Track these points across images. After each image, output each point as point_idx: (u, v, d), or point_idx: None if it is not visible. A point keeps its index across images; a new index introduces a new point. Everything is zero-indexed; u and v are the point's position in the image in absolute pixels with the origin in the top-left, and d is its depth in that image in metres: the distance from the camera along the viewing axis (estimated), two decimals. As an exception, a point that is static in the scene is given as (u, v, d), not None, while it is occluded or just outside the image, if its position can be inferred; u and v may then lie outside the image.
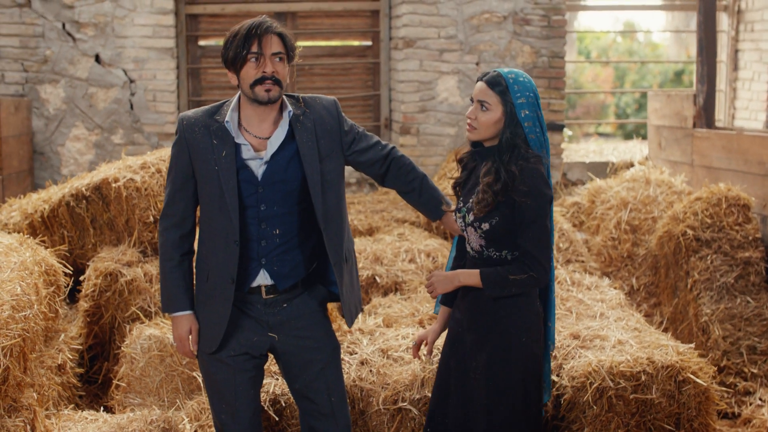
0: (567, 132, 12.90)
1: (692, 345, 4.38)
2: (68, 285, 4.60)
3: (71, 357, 4.46)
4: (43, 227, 5.28)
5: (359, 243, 6.52)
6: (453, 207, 3.62)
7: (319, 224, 3.41)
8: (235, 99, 3.42)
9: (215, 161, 3.31)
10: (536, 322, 3.48)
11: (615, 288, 5.54)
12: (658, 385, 4.08)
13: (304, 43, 8.76)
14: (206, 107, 3.44)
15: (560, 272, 5.37)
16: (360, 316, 5.27)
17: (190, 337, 3.48)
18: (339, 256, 3.49)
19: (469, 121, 3.43)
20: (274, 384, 4.10)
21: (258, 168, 3.34)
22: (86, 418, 3.90)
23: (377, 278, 5.76)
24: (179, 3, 8.01)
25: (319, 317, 3.57)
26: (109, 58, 7.54)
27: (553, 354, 4.28)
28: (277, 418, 4.02)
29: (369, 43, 8.61)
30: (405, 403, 4.07)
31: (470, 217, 3.42)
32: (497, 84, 3.35)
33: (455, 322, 3.61)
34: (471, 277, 3.38)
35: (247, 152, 3.34)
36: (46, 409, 4.01)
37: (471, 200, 3.44)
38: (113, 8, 7.48)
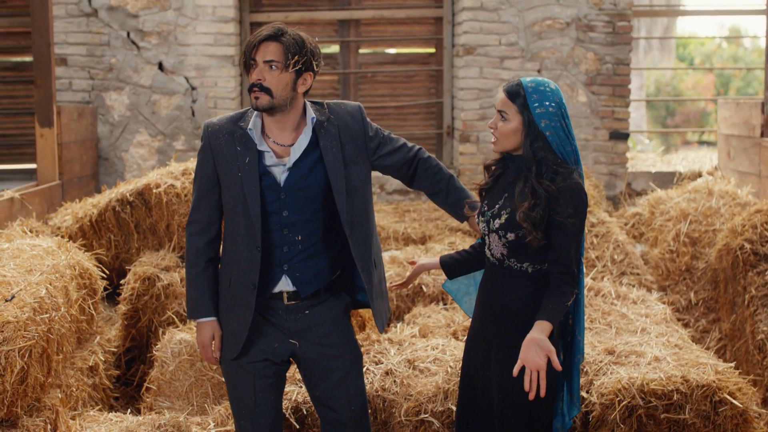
0: (640, 140, 12.58)
1: (732, 364, 4.19)
2: (107, 288, 4.68)
3: (103, 359, 4.54)
4: (91, 231, 5.41)
5: (410, 251, 6.48)
6: (476, 211, 3.55)
7: (345, 230, 3.39)
8: None
9: (239, 168, 3.33)
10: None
11: (663, 302, 5.35)
12: (692, 405, 3.91)
13: (368, 50, 8.78)
14: (231, 114, 3.46)
15: (605, 285, 5.21)
16: (399, 325, 5.24)
17: (214, 343, 3.49)
18: (367, 261, 3.46)
19: (492, 131, 3.37)
20: (297, 392, 4.08)
21: (281, 174, 3.34)
22: (111, 420, 3.95)
23: (423, 287, 5.71)
24: (243, 11, 8.13)
25: (342, 325, 3.54)
26: (172, 66, 7.70)
27: (584, 369, 4.15)
28: (297, 426, 4.00)
29: (432, 50, 8.57)
30: (427, 415, 4.00)
31: (495, 224, 3.34)
32: (516, 94, 3.27)
33: (472, 330, 3.54)
34: (544, 329, 3.19)
35: (269, 159, 3.35)
36: (74, 410, 4.08)
37: (497, 206, 3.37)
38: (176, 17, 7.63)
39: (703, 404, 3.92)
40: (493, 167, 3.50)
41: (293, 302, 3.42)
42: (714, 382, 3.93)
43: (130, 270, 5.09)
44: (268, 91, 3.25)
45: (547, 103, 3.23)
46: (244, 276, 3.37)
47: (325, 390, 3.50)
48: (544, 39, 7.77)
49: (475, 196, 3.65)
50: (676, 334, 4.64)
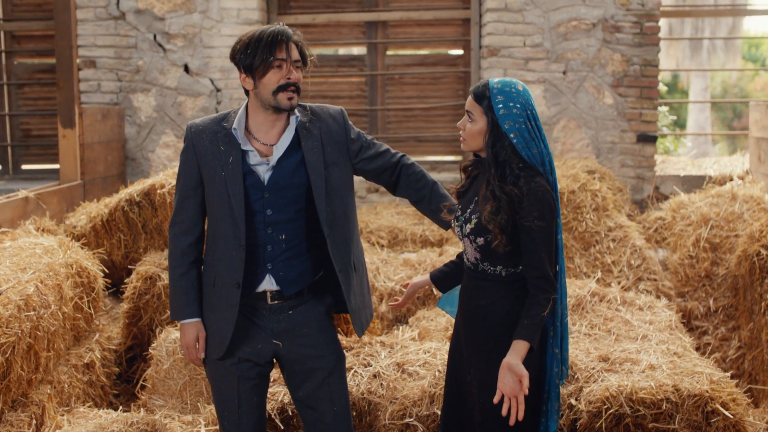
0: (677, 144, 12.34)
1: (728, 374, 4.08)
2: (110, 287, 4.73)
3: (101, 356, 4.59)
4: (103, 230, 5.50)
5: (424, 254, 6.45)
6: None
7: (324, 230, 3.39)
8: (243, 106, 3.44)
9: (222, 167, 3.35)
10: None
11: (672, 309, 5.23)
12: (682, 415, 3.81)
13: (395, 52, 8.76)
14: (214, 115, 3.49)
15: (611, 290, 5.11)
16: (402, 327, 5.21)
17: (198, 344, 3.51)
18: (345, 263, 3.45)
19: (460, 132, 3.34)
20: (283, 393, 4.08)
21: (264, 173, 3.35)
22: (100, 416, 3.99)
23: (434, 290, 5.68)
24: (270, 13, 8.18)
25: (325, 326, 3.53)
26: (197, 68, 7.78)
27: (575, 375, 4.08)
28: (282, 427, 4.00)
29: (460, 51, 8.51)
30: (412, 419, 3.97)
31: (466, 229, 3.31)
32: (481, 95, 3.25)
33: (455, 334, 3.51)
34: (519, 351, 3.15)
35: (253, 158, 3.36)
36: (66, 406, 4.14)
37: (468, 210, 3.34)
38: (201, 19, 7.71)
39: (694, 414, 3.82)
40: (469, 168, 3.47)
41: (277, 302, 3.42)
42: (707, 392, 3.83)
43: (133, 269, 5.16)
44: (299, 91, 3.30)
45: (512, 104, 3.19)
46: (229, 275, 3.38)
47: (307, 391, 3.50)
48: (569, 40, 7.66)
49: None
50: (679, 341, 4.53)
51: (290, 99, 3.27)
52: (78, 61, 7.87)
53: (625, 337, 4.55)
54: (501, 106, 3.20)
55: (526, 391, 3.09)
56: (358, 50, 9.98)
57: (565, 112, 7.75)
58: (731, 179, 7.50)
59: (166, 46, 7.79)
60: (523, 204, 3.13)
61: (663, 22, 21.90)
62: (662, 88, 12.00)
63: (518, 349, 3.14)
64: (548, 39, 7.68)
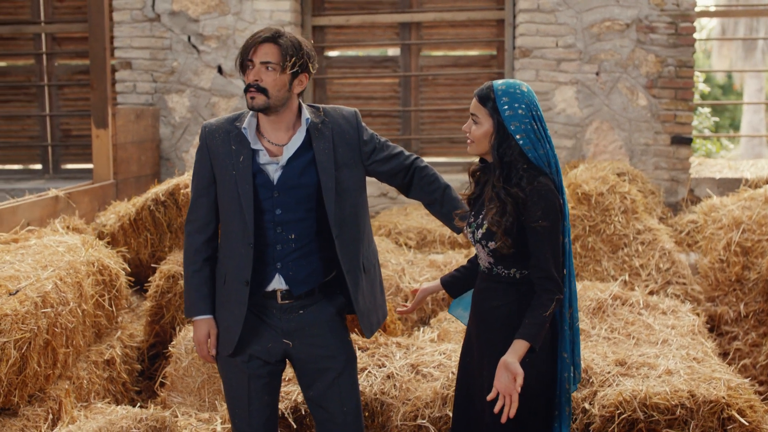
0: (719, 146, 12.13)
1: (747, 380, 4.00)
2: (134, 285, 4.80)
3: (121, 353, 4.66)
4: (131, 229, 5.58)
5: (451, 255, 6.44)
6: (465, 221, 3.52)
7: (333, 231, 3.41)
8: None
9: (233, 166, 3.39)
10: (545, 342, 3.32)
11: (695, 313, 5.15)
12: (697, 422, 3.75)
13: (429, 53, 8.75)
14: (229, 115, 3.54)
15: (634, 294, 5.05)
16: (423, 329, 5.21)
17: (209, 340, 3.55)
18: (353, 264, 3.46)
19: (466, 135, 3.34)
20: (296, 392, 4.11)
21: (274, 173, 3.38)
22: (117, 412, 4.05)
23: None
24: (305, 15, 8.23)
25: (336, 326, 3.55)
26: (230, 69, 7.85)
27: (590, 380, 4.04)
28: (295, 426, 4.02)
29: (494, 52, 8.48)
30: (424, 421, 3.97)
31: (478, 234, 3.31)
32: (486, 97, 3.24)
33: (467, 336, 3.51)
34: (517, 350, 3.17)
35: (263, 157, 3.40)
36: (84, 401, 4.21)
37: (480, 215, 3.33)
38: (235, 21, 7.78)
39: (710, 421, 3.76)
40: (477, 173, 3.46)
41: (287, 301, 3.44)
42: (723, 398, 3.77)
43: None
44: (264, 91, 3.30)
45: (517, 105, 3.18)
46: (238, 273, 3.41)
47: (318, 390, 3.52)
48: (602, 41, 7.59)
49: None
50: (700, 347, 4.47)
51: (252, 99, 3.30)
52: (114, 62, 8.01)
53: (645, 342, 4.49)
54: (506, 107, 3.19)
55: (518, 389, 3.08)
56: (391, 51, 9.98)
57: (597, 113, 7.68)
58: (767, 182, 7.37)
59: (200, 48, 7.88)
60: (527, 204, 3.13)
61: (715, 23, 21.56)
62: (704, 88, 11.82)
63: (516, 348, 3.13)
64: (581, 40, 7.61)
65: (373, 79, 8.69)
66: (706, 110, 12.03)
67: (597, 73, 7.64)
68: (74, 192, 6.03)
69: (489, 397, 3.13)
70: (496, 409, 3.10)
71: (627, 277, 5.91)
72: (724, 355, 5.75)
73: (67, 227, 5.38)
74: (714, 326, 5.94)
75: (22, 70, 9.21)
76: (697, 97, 12.06)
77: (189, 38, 7.89)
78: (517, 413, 3.20)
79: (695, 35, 7.56)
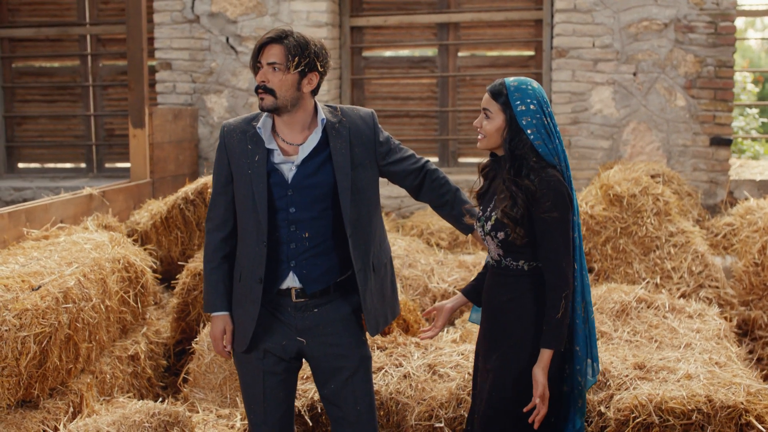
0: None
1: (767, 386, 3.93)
2: (161, 281, 4.88)
3: (146, 349, 4.74)
4: (162, 227, 5.69)
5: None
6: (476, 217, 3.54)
7: (346, 229, 3.44)
8: None
9: (249, 165, 3.44)
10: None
11: (725, 318, 5.07)
12: (714, 427, 3.71)
13: (466, 53, 8.74)
14: (247, 115, 3.60)
15: (660, 297, 4.99)
16: (449, 329, 5.21)
17: (225, 337, 3.61)
18: (364, 263, 3.49)
19: (477, 129, 3.39)
20: (314, 390, 4.14)
21: (288, 172, 3.43)
22: (134, 406, 4.12)
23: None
24: (343, 16, 8.28)
25: (350, 325, 3.57)
26: (268, 70, 7.92)
27: (607, 382, 4.01)
28: (311, 423, 4.06)
29: (532, 53, 8.44)
30: (440, 423, 3.97)
31: (487, 226, 3.35)
32: (498, 92, 3.32)
33: (480, 332, 3.53)
34: (543, 359, 3.24)
35: (278, 156, 3.44)
36: (108, 395, 4.30)
37: (489, 208, 3.36)
38: (272, 22, 7.86)
39: (727, 426, 3.72)
40: (486, 169, 3.50)
41: (301, 300, 3.47)
42: (741, 403, 3.72)
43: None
44: (271, 92, 3.35)
45: (528, 101, 3.26)
46: (252, 271, 3.46)
47: (332, 389, 3.55)
48: (640, 41, 7.50)
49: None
50: (724, 351, 4.40)
51: (261, 99, 3.36)
52: (155, 63, 8.15)
53: (668, 345, 4.44)
54: (519, 102, 3.27)
55: (537, 400, 3.19)
56: (429, 51, 9.99)
57: (635, 114, 7.59)
58: (812, 184, 7.22)
59: (238, 49, 7.98)
60: (537, 196, 3.18)
61: (762, 22, 21.14)
62: (752, 89, 11.61)
63: (542, 358, 3.23)
64: (618, 40, 7.53)
65: (411, 80, 8.71)
66: (754, 111, 11.80)
67: (634, 74, 7.56)
68: (109, 190, 6.15)
69: (525, 409, 3.22)
70: (531, 416, 3.21)
71: (658, 280, 5.83)
72: (758, 360, 5.64)
73: (99, 225, 5.49)
74: (748, 330, 5.83)
75: (68, 71, 9.41)
76: (744, 98, 11.86)
77: (227, 39, 7.99)
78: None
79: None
